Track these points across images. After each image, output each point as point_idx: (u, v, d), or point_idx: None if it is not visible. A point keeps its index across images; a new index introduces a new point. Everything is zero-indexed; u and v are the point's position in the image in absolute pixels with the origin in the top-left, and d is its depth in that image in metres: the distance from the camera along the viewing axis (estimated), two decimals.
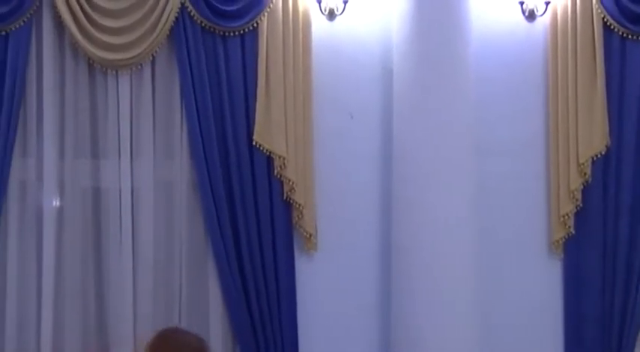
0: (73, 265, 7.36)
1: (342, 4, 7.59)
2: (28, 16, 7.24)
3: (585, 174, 7.58)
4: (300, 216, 7.50)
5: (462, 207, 7.44)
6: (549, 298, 7.70)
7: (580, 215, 7.65)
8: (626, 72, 7.69)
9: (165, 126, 7.54)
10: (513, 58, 7.81)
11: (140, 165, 7.49)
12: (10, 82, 7.21)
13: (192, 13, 7.35)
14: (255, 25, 7.43)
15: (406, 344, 7.36)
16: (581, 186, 7.60)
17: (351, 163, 7.75)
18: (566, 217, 7.59)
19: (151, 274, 7.43)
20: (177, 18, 7.35)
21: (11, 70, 7.21)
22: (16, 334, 7.32)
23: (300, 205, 7.48)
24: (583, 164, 7.55)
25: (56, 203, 7.45)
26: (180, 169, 7.53)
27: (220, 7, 7.39)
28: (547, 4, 7.64)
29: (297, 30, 7.53)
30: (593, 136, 7.59)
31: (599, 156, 7.61)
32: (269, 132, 7.45)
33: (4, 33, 7.19)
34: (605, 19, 7.59)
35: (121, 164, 7.45)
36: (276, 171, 7.43)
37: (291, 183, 7.45)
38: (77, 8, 7.24)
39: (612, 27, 7.59)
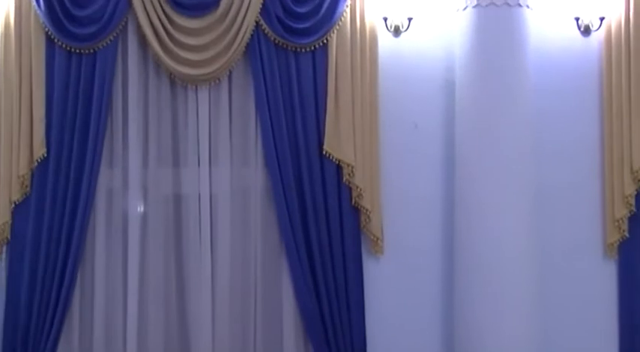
0: (156, 266, 7.63)
1: (407, 22, 7.80)
2: (115, 35, 7.55)
3: (639, 180, 7.71)
4: (367, 221, 7.69)
5: (521, 211, 7.57)
6: (605, 298, 7.82)
7: (634, 219, 7.78)
8: None
9: (241, 136, 7.75)
10: (570, 70, 7.93)
11: (218, 172, 7.71)
12: (98, 97, 7.51)
13: (266, 31, 7.60)
14: (325, 41, 7.65)
15: (468, 341, 7.53)
16: (635, 192, 7.74)
17: (416, 170, 7.91)
18: (621, 221, 7.72)
19: (228, 274, 7.66)
20: (252, 35, 7.60)
21: (99, 85, 7.52)
22: (103, 330, 7.60)
23: (367, 210, 7.67)
24: (637, 171, 7.70)
25: (140, 209, 7.71)
26: (255, 176, 7.73)
27: (292, 24, 7.62)
28: (601, 19, 7.80)
29: (365, 46, 7.72)
30: None
31: None
32: (338, 141, 7.64)
33: (92, 51, 7.51)
34: None
35: (200, 172, 7.68)
36: (344, 179, 7.64)
37: (359, 189, 7.64)
38: (160, 27, 7.52)
39: None
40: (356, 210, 7.70)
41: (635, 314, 7.78)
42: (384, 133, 7.81)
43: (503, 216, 7.51)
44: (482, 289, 7.49)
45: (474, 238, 7.56)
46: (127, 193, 7.70)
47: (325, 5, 7.63)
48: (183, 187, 7.73)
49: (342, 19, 7.66)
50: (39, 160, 7.49)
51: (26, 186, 7.49)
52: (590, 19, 7.86)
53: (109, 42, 7.55)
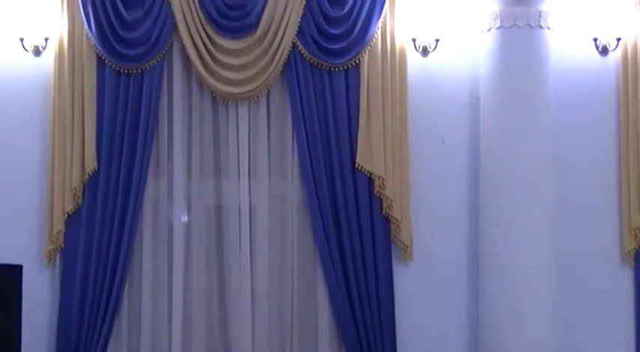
0: (199, 272, 7.86)
1: (435, 42, 8.01)
2: (161, 56, 7.83)
3: None
4: (397, 230, 7.89)
5: (542, 219, 7.74)
6: (622, 303, 7.99)
7: None
8: None
9: (279, 150, 7.97)
10: (588, 88, 8.10)
11: (257, 184, 7.94)
12: (145, 114, 7.78)
13: (302, 52, 7.85)
14: (357, 61, 7.86)
15: (492, 344, 7.72)
16: None
17: (443, 182, 8.07)
18: (637, 230, 7.92)
19: (266, 280, 7.87)
20: (289, 56, 7.84)
21: (146, 102, 7.79)
22: (150, 333, 7.84)
23: (397, 220, 7.87)
24: None
25: (184, 218, 7.96)
26: (292, 188, 7.95)
27: (327, 45, 7.86)
28: (618, 40, 8.01)
29: (395, 65, 7.93)
30: None
31: None
32: (370, 155, 7.84)
33: (140, 71, 7.81)
34: None
35: (240, 184, 7.91)
36: (376, 190, 7.85)
37: (389, 200, 7.85)
38: (203, 49, 7.80)
39: None
40: (386, 220, 7.88)
41: None
42: (413, 147, 7.98)
43: (525, 225, 7.67)
44: (505, 293, 7.65)
45: (497, 246, 7.73)
46: (172, 204, 7.93)
47: (358, 27, 7.84)
48: (224, 198, 7.94)
49: (374, 40, 7.87)
50: (90, 173, 7.76)
51: (78, 198, 7.77)
52: (607, 39, 8.04)
53: (155, 62, 7.82)
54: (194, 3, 7.81)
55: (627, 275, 8.05)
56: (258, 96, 7.92)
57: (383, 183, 7.86)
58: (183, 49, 7.87)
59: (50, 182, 7.83)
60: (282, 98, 7.99)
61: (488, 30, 7.87)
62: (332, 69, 7.90)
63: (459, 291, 8.05)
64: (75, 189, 7.78)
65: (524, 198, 7.71)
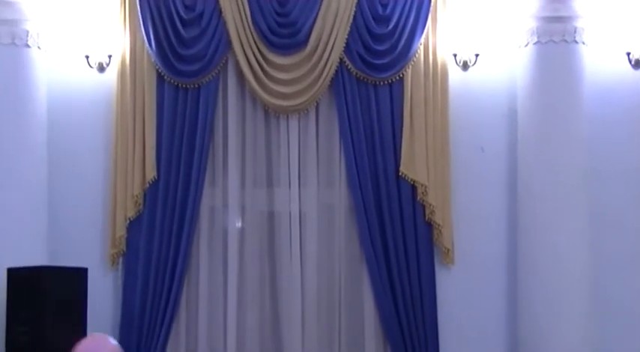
0: (252, 275, 8.14)
1: (474, 57, 8.21)
2: (216, 71, 8.14)
3: None
4: (439, 235, 8.11)
5: (577, 227, 7.95)
6: None
7: None
8: None
9: (327, 160, 8.23)
10: (621, 101, 8.25)
11: (306, 192, 8.21)
12: (202, 126, 8.08)
13: (349, 67, 8.12)
14: (401, 75, 8.11)
15: (531, 344, 7.92)
16: None
17: (482, 189, 8.27)
18: None
19: (315, 283, 8.13)
20: (336, 71, 8.12)
21: (202, 115, 8.10)
22: (206, 332, 8.13)
23: (439, 225, 8.09)
24: None
25: (238, 224, 8.25)
26: (339, 196, 8.21)
27: (372, 61, 8.12)
28: None
29: (436, 79, 8.15)
30: None
31: None
32: (413, 164, 8.07)
33: (197, 86, 8.13)
34: None
35: (290, 192, 8.18)
36: (419, 197, 8.09)
37: (431, 206, 8.08)
38: (255, 64, 8.10)
39: None
40: (429, 225, 8.12)
41: None
42: (453, 156, 8.20)
43: (561, 230, 7.88)
44: (542, 295, 7.85)
45: (534, 250, 7.93)
46: (227, 211, 8.22)
47: (401, 43, 8.10)
48: (275, 206, 8.22)
49: (417, 55, 8.11)
50: (150, 182, 8.10)
51: (139, 205, 8.10)
52: None
53: (211, 78, 8.13)
54: (247, 21, 8.11)
55: None
56: (307, 109, 8.20)
57: (425, 191, 8.08)
58: (237, 64, 8.16)
59: (113, 190, 8.16)
60: (330, 110, 8.25)
61: (526, 45, 8.08)
62: (377, 83, 8.15)
63: (498, 293, 8.23)
64: (136, 196, 8.10)
65: (560, 204, 7.90)
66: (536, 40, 8.03)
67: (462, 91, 8.28)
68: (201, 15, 8.16)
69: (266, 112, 8.25)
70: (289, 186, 8.22)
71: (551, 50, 8.01)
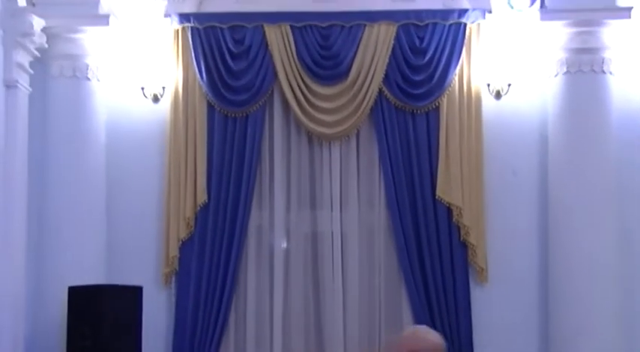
0: (297, 293, 8.41)
1: (507, 86, 8.46)
2: (263, 101, 8.45)
3: None
4: (474, 254, 8.34)
5: (606, 244, 8.14)
6: None
7: None
8: None
9: (367, 183, 8.48)
10: None
11: (347, 214, 8.47)
12: (249, 152, 8.38)
13: (387, 96, 8.40)
14: (437, 104, 8.37)
15: None
16: None
17: (515, 211, 8.46)
18: None
19: (357, 299, 8.38)
20: (376, 100, 8.39)
21: (250, 142, 8.40)
22: (254, 348, 8.38)
23: (473, 245, 8.33)
24: None
25: (284, 245, 8.52)
26: (379, 217, 8.46)
27: (410, 90, 8.40)
28: None
29: (471, 107, 8.41)
30: None
31: None
32: (449, 187, 8.31)
33: (245, 114, 8.44)
34: None
35: (332, 214, 8.45)
36: (454, 219, 8.34)
37: (466, 228, 8.33)
38: (300, 94, 8.41)
39: None
40: (464, 246, 8.36)
41: None
42: (487, 180, 8.43)
43: (591, 250, 8.07)
44: (573, 313, 8.06)
45: (565, 269, 8.14)
46: (273, 232, 8.51)
47: (437, 74, 8.39)
48: (318, 226, 8.49)
49: (452, 85, 8.39)
50: (201, 205, 8.40)
51: (191, 227, 8.41)
52: None
53: (258, 107, 8.44)
54: (292, 54, 8.44)
55: None
56: (348, 136, 8.49)
57: (460, 213, 8.34)
58: (282, 94, 8.47)
59: (166, 213, 8.47)
60: (369, 137, 8.52)
61: (556, 75, 8.32)
62: (414, 111, 8.43)
63: (531, 310, 8.43)
64: (188, 218, 8.41)
65: (590, 223, 8.11)
66: (565, 70, 8.26)
67: (495, 119, 8.50)
68: (249, 48, 8.48)
69: (310, 139, 8.53)
70: (331, 209, 8.47)
71: (579, 80, 8.23)
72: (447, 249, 8.39)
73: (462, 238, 8.39)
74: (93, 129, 8.46)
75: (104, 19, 8.32)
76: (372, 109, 8.48)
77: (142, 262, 8.51)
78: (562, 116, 8.31)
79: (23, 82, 8.06)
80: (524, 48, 8.54)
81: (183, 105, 8.52)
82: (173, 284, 8.50)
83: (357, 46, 8.46)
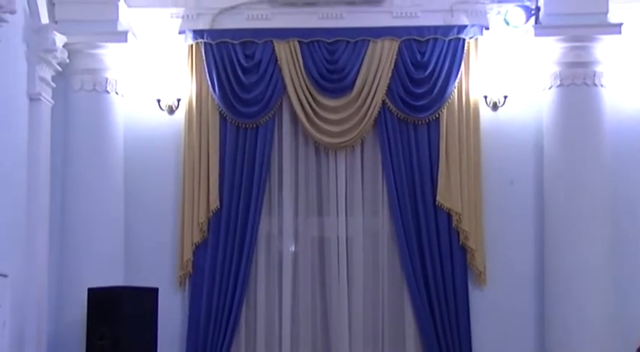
0: (305, 294, 8.67)
1: (503, 99, 8.70)
2: (272, 113, 8.73)
3: None
4: (472, 258, 8.58)
5: (600, 249, 8.31)
6: None
7: None
8: None
9: (371, 191, 8.72)
10: (638, 136, 8.55)
11: (353, 220, 8.71)
12: (260, 161, 8.64)
13: (390, 108, 8.66)
14: (437, 115, 8.63)
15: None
16: None
17: (512, 217, 8.66)
18: None
19: (361, 301, 8.62)
20: (379, 111, 8.65)
21: (260, 152, 8.67)
22: (264, 346, 8.63)
23: (472, 250, 8.57)
24: None
25: (292, 249, 8.77)
26: (382, 223, 8.70)
27: (412, 102, 8.66)
28: None
29: (469, 118, 8.65)
30: None
31: None
32: (449, 194, 8.56)
33: (255, 126, 8.72)
34: None
35: (338, 220, 8.69)
36: (454, 224, 8.58)
37: (465, 232, 8.57)
38: (307, 106, 8.69)
39: None
40: (463, 250, 8.61)
41: None
42: (485, 187, 8.68)
43: (586, 254, 8.28)
44: (569, 315, 8.28)
45: (561, 273, 8.35)
46: (282, 237, 8.76)
47: (438, 87, 8.66)
48: (325, 232, 8.74)
49: (451, 97, 8.65)
50: (214, 211, 8.68)
51: (204, 231, 8.68)
52: None
53: (268, 119, 8.72)
54: (300, 68, 8.73)
55: None
56: (353, 146, 8.76)
57: (460, 218, 8.60)
58: (291, 106, 8.76)
59: (181, 218, 8.76)
60: (373, 147, 8.79)
61: (550, 88, 8.56)
62: (416, 122, 8.70)
63: (528, 311, 8.66)
64: (201, 224, 8.69)
65: (585, 229, 8.34)
66: (559, 83, 8.50)
67: (492, 129, 8.75)
68: (259, 63, 8.77)
69: (317, 149, 8.78)
70: (337, 215, 8.74)
71: (573, 92, 8.46)
72: (447, 253, 8.62)
73: (461, 242, 8.62)
74: (112, 139, 8.75)
75: (122, 36, 8.63)
76: (375, 120, 8.74)
77: (158, 265, 8.77)
78: (556, 127, 8.51)
79: (46, 95, 8.40)
80: (519, 62, 8.79)
81: (197, 117, 8.79)
82: (187, 286, 8.76)
83: (362, 61, 8.74)
